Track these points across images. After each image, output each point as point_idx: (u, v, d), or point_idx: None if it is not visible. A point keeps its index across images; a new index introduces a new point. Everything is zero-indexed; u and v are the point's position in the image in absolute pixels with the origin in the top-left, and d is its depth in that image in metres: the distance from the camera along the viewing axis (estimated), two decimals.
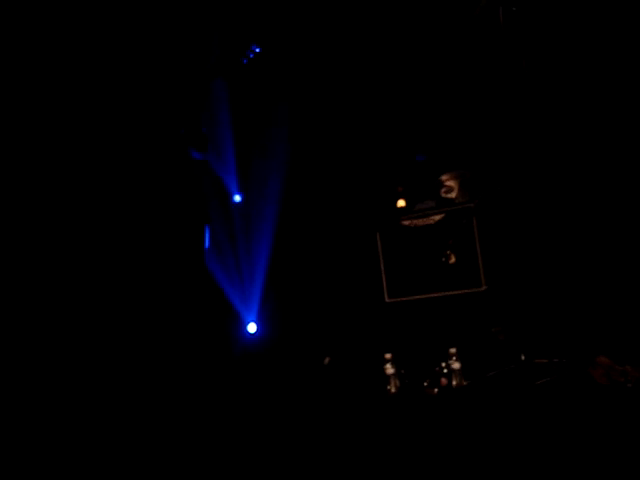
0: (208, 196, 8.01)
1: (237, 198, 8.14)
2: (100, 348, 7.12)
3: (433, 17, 7.40)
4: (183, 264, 7.60)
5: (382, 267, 7.49)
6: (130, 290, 7.38)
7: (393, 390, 6.54)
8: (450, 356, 6.36)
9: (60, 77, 7.26)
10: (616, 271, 6.44)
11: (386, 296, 7.43)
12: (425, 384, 6.39)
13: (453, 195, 7.38)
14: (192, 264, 7.61)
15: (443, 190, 7.39)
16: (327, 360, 7.18)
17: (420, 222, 7.42)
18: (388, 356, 6.62)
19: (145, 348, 7.22)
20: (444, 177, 7.39)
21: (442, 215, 7.31)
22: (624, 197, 6.50)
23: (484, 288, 6.99)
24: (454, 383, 6.31)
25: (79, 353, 7.03)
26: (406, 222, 7.46)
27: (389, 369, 6.57)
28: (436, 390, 6.32)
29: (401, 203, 7.59)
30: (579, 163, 6.74)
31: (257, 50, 7.76)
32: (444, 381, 6.34)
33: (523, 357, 6.52)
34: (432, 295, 7.18)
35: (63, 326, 7.06)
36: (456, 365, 6.33)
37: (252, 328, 7.73)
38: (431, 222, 7.39)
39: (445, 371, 6.35)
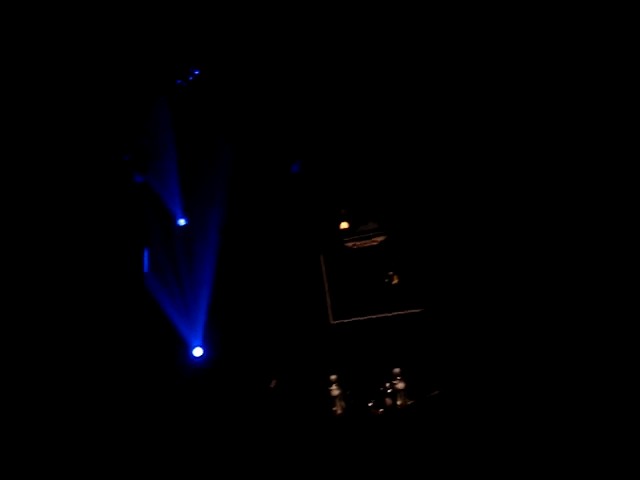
0: (150, 220, 7.95)
1: (181, 222, 8.10)
2: (41, 374, 7.00)
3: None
4: (123, 289, 7.52)
5: (326, 289, 7.54)
6: (70, 315, 7.27)
7: (339, 411, 6.58)
8: (394, 376, 6.45)
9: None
10: (556, 289, 6.61)
11: (331, 318, 7.48)
12: (370, 404, 6.45)
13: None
14: (132, 289, 7.54)
15: None
16: (273, 383, 7.19)
17: (363, 244, 7.51)
18: (333, 377, 6.67)
19: (89, 374, 7.11)
20: None
21: (384, 237, 7.42)
22: (560, 219, 6.69)
23: (427, 308, 7.09)
24: (399, 403, 6.39)
25: (17, 381, 6.90)
26: (349, 244, 7.54)
27: (335, 390, 6.62)
28: (381, 410, 6.39)
29: (344, 225, 7.66)
30: (517, 184, 6.92)
31: (196, 73, 7.78)
32: (389, 401, 6.42)
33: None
34: (376, 316, 7.26)
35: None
36: (400, 385, 6.42)
37: (198, 352, 7.68)
38: (374, 243, 7.49)
39: (390, 391, 6.43)
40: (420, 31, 7.28)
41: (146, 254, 7.77)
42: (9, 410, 6.65)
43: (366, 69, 7.55)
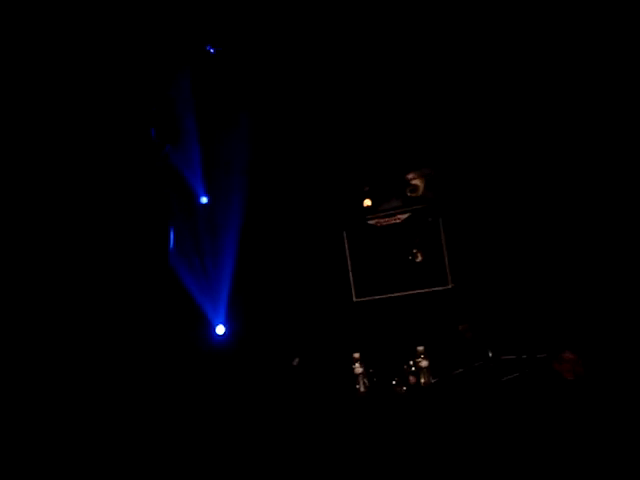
0: (173, 198, 7.95)
1: (203, 199, 8.08)
2: (64, 352, 7.04)
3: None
4: (147, 267, 7.53)
5: (349, 266, 7.51)
6: (94, 293, 7.30)
7: (362, 389, 6.56)
8: (418, 354, 6.40)
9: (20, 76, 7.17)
10: (579, 268, 6.53)
11: (354, 295, 7.46)
12: (394, 382, 6.41)
13: (419, 193, 7.41)
14: (156, 266, 7.55)
15: (409, 189, 7.42)
16: (296, 361, 7.18)
17: (386, 221, 7.46)
18: (356, 355, 6.64)
19: (110, 352, 7.15)
20: (410, 176, 7.42)
21: (408, 214, 7.36)
22: (585, 197, 6.59)
23: (451, 286, 7.05)
24: (422, 381, 6.35)
25: (40, 357, 6.94)
26: (373, 221, 7.49)
27: (358, 368, 6.59)
28: (405, 388, 6.35)
29: (367, 202, 7.61)
30: (544, 162, 6.82)
31: (212, 51, 7.74)
32: (412, 379, 6.38)
33: (490, 354, 6.58)
34: (399, 294, 7.23)
35: (23, 330, 6.97)
36: (424, 363, 6.38)
37: (220, 330, 7.69)
38: (397, 221, 7.43)
39: (413, 369, 6.39)
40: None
41: (171, 232, 7.77)
42: (26, 384, 6.72)
43: (393, 46, 7.47)
